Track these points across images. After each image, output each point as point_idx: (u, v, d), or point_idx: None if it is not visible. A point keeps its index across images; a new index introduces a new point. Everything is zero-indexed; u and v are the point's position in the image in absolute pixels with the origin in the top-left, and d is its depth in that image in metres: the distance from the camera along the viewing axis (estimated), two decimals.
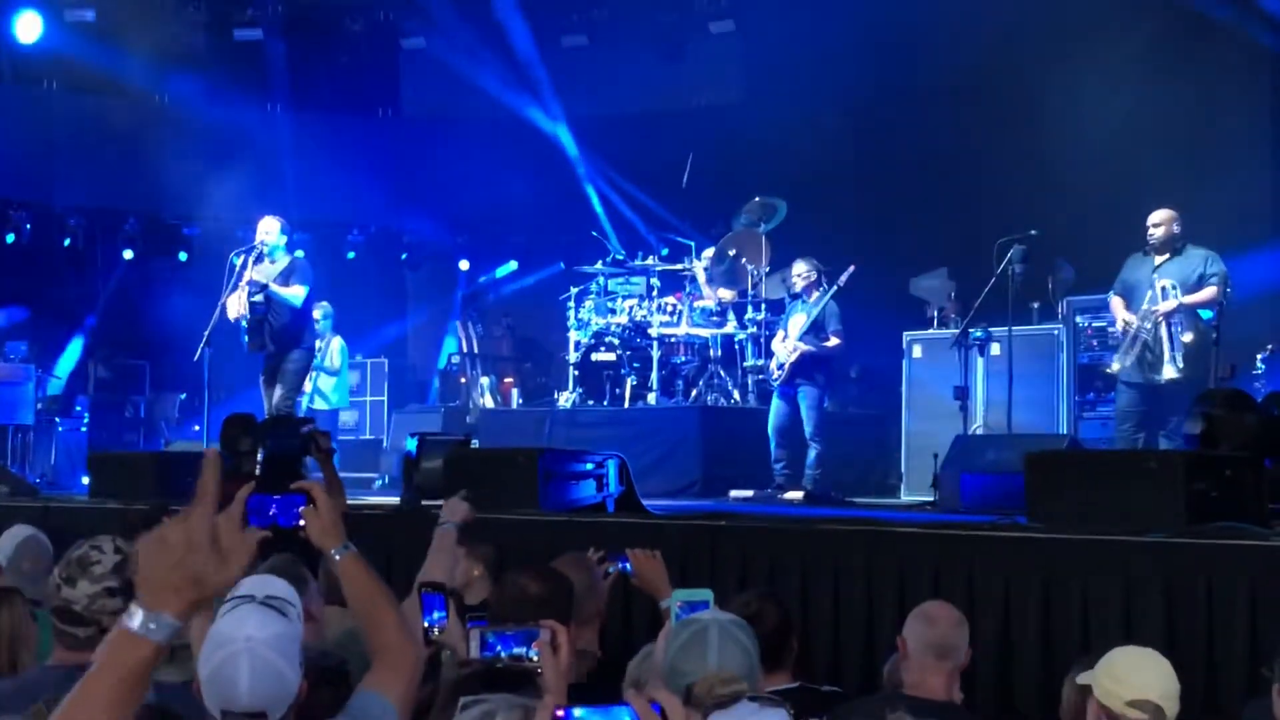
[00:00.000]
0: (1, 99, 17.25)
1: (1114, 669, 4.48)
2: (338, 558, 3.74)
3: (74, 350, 17.65)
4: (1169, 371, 10.28)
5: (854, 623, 7.00)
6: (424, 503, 9.14)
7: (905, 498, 12.10)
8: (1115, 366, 10.80)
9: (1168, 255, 10.58)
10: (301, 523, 3.72)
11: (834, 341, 12.17)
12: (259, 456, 8.28)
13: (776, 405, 12.28)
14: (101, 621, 4.25)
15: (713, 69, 17.27)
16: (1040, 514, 7.04)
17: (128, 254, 18.07)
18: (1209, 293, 10.33)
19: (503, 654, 3.69)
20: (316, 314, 14.90)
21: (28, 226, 17.41)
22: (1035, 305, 12.58)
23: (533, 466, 8.55)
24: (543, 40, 17.42)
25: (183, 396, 17.02)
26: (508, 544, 8.07)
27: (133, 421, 17.23)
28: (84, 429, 16.60)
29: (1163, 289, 10.43)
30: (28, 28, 16.84)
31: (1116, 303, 10.87)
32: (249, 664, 3.39)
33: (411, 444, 9.57)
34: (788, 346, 12.17)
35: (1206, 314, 10.35)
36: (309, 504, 3.72)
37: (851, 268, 12.20)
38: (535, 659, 3.68)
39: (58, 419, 16.25)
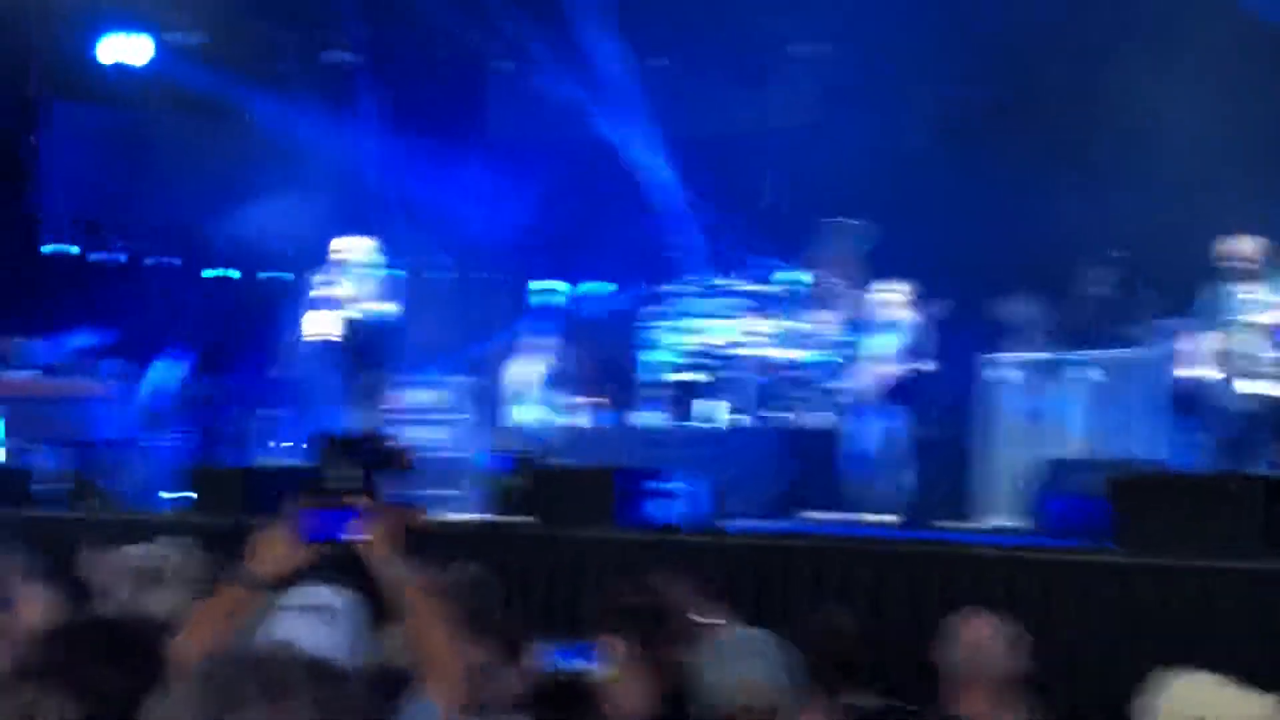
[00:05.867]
0: (95, 120, 17.53)
1: (1170, 697, 4.43)
2: (389, 571, 3.77)
3: (166, 368, 17.86)
4: (1264, 386, 10.07)
5: (931, 647, 6.93)
6: (503, 518, 9.21)
7: (990, 522, 12.00)
8: (1199, 371, 10.65)
9: (1250, 283, 10.42)
10: (356, 535, 3.76)
11: (925, 365, 12.15)
12: (342, 472, 8.33)
13: (862, 426, 12.25)
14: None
15: (795, 91, 17.22)
16: (1124, 538, 6.95)
17: (219, 273, 18.28)
18: None
19: (563, 667, 3.70)
20: None
21: (120, 245, 17.65)
22: (1124, 329, 12.43)
23: (608, 484, 8.56)
24: (628, 63, 17.46)
25: (272, 413, 17.16)
26: (583, 561, 8.14)
27: (224, 438, 17.39)
28: (176, 445, 16.78)
29: (1265, 302, 10.26)
30: (122, 50, 17.12)
31: (1205, 336, 10.73)
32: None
33: (492, 461, 9.62)
34: (879, 369, 12.14)
35: None
36: (363, 517, 3.75)
37: (946, 301, 12.16)
38: (594, 672, 3.69)
39: (150, 436, 16.44)
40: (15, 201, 17.01)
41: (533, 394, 15.81)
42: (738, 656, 3.93)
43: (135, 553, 6.01)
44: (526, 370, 16.00)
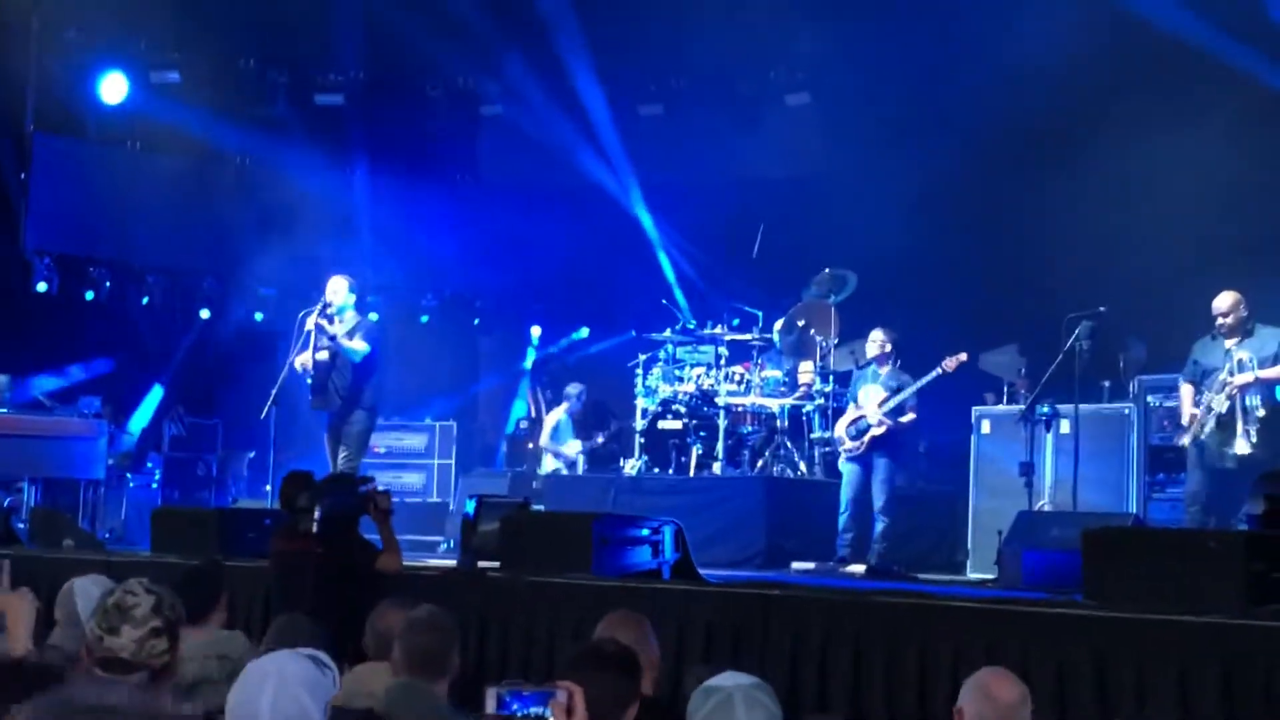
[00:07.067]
0: (85, 157, 17.54)
1: None
2: None
3: (148, 407, 17.83)
4: (1241, 446, 10.17)
5: (906, 697, 6.89)
6: (480, 565, 9.13)
7: (971, 574, 11.98)
8: (1185, 441, 10.70)
9: (1239, 339, 10.49)
10: None
11: (910, 416, 12.20)
12: (316, 515, 8.31)
13: (852, 475, 12.21)
14: (151, 665, 4.21)
15: (787, 140, 17.28)
16: (1097, 592, 6.92)
17: (204, 313, 18.27)
18: None
19: (519, 713, 3.66)
20: None
21: (107, 284, 17.63)
22: (1106, 383, 12.46)
23: (587, 531, 8.50)
24: (620, 109, 17.53)
25: (251, 455, 17.12)
26: (560, 608, 8.08)
27: (204, 479, 17.36)
28: (155, 486, 16.74)
29: (1239, 361, 10.33)
30: (113, 88, 17.19)
31: (1186, 390, 10.78)
32: (274, 691, 3.65)
33: (470, 506, 9.55)
34: (861, 419, 12.13)
35: None
36: None
37: (963, 355, 12.16)
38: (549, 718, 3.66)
39: (129, 475, 16.39)
40: (4, 238, 16.99)
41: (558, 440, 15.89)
42: (744, 706, 3.92)
43: (97, 589, 5.99)
44: (554, 418, 16.11)
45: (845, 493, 12.21)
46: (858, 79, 16.21)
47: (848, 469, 12.30)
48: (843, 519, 12.15)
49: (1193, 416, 10.56)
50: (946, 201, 14.95)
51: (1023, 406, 12.00)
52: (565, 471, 15.46)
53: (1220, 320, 10.55)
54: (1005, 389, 13.37)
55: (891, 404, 12.13)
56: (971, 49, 14.37)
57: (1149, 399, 12.01)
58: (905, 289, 14.68)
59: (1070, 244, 13.85)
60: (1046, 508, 11.57)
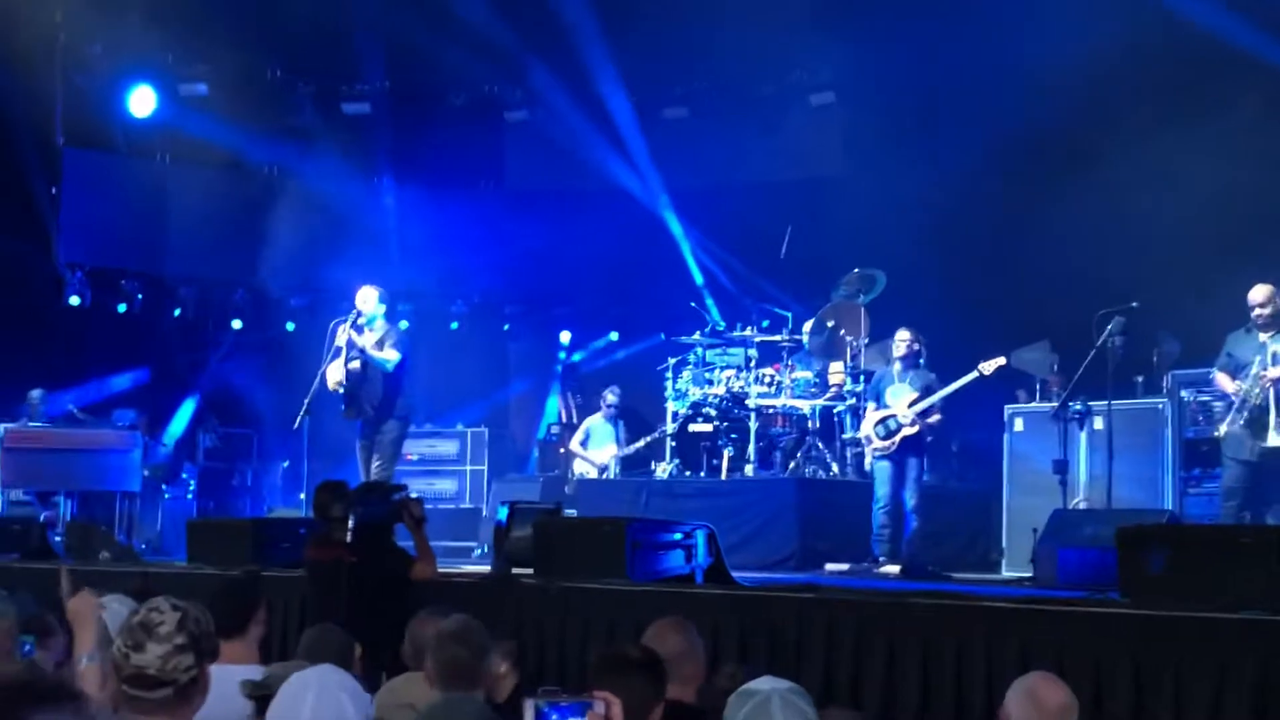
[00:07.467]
0: (115, 171, 17.63)
1: None
2: None
3: (182, 418, 17.91)
4: (1274, 438, 10.11)
5: (942, 698, 6.88)
6: (514, 571, 9.15)
7: (1006, 573, 11.93)
8: (1221, 430, 10.64)
9: (1273, 331, 10.44)
10: None
11: (937, 417, 12.19)
12: (350, 523, 8.34)
13: (885, 473, 12.16)
14: (178, 680, 4.23)
15: (813, 140, 17.27)
16: (1133, 589, 6.89)
17: (236, 324, 18.36)
18: None
19: None
20: None
21: (139, 296, 17.75)
22: (1139, 379, 12.40)
23: (620, 536, 8.50)
24: (644, 113, 17.56)
25: (285, 464, 17.19)
26: (594, 613, 8.09)
27: (239, 489, 17.44)
28: (190, 496, 16.81)
29: (1274, 354, 10.28)
30: (141, 101, 17.28)
31: (1222, 378, 10.74)
32: (316, 694, 3.85)
33: (503, 512, 9.57)
34: (902, 417, 12.10)
35: None
36: None
37: (1001, 359, 12.14)
38: None
39: (164, 486, 16.46)
40: (36, 252, 17.09)
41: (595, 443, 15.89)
42: (781, 709, 3.93)
43: (125, 608, 6.02)
44: (589, 423, 16.12)
45: (881, 489, 12.15)
46: (882, 78, 16.19)
47: (880, 466, 12.24)
48: (880, 515, 12.07)
49: (1238, 388, 10.48)
50: (975, 198, 14.90)
51: (1055, 404, 11.94)
52: (596, 475, 15.46)
53: (1257, 311, 10.51)
54: (1038, 386, 13.33)
55: (923, 405, 12.10)
56: (996, 44, 14.33)
57: (1183, 394, 11.94)
58: (935, 287, 14.63)
59: (1100, 239, 13.78)
60: (1081, 505, 11.52)
